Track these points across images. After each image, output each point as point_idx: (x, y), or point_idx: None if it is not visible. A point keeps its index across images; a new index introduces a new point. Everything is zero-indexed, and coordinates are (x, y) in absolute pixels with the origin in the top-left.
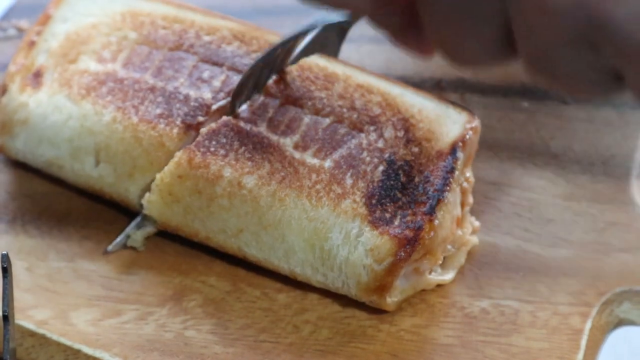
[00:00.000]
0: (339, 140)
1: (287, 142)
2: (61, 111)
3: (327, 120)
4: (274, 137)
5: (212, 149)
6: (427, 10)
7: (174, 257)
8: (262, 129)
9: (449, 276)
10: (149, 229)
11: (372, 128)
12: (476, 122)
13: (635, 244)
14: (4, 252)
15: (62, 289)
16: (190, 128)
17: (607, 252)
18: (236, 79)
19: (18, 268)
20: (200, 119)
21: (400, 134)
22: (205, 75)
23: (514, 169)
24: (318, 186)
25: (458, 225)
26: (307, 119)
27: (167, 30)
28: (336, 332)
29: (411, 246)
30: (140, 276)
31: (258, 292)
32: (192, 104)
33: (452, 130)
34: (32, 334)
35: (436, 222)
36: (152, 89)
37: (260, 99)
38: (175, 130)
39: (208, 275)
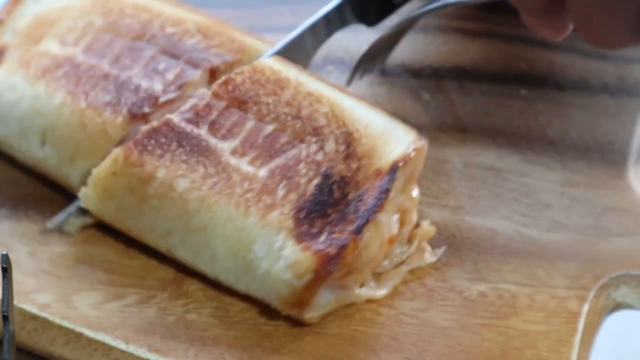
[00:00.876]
0: (278, 149)
1: (225, 147)
2: (15, 90)
3: (270, 128)
4: (212, 141)
5: (149, 148)
6: None
7: None
8: (203, 131)
9: (381, 292)
10: (87, 220)
11: (313, 139)
12: (422, 143)
13: (632, 228)
14: (3, 252)
15: (64, 273)
16: (135, 118)
17: (604, 237)
18: (190, 72)
19: (21, 253)
20: (147, 110)
21: (342, 148)
22: (161, 67)
23: (512, 155)
24: (248, 195)
25: (392, 243)
26: (249, 124)
27: (134, 19)
28: (336, 316)
29: (332, 264)
30: (141, 260)
31: None
32: (141, 94)
33: (395, 149)
34: (34, 318)
35: (361, 242)
36: (106, 77)
37: (206, 99)
38: (119, 119)
39: None
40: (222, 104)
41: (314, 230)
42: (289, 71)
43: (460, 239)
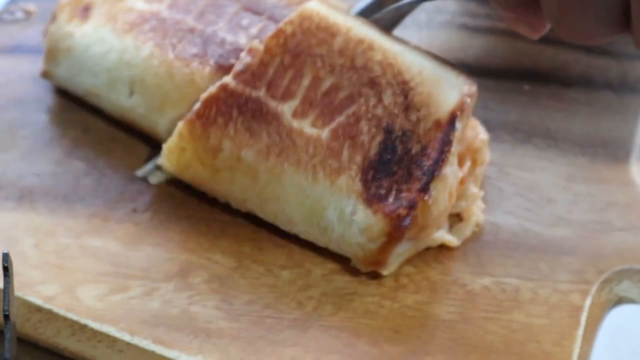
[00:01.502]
0: (337, 107)
1: (286, 110)
2: (104, 43)
3: (327, 83)
4: (272, 104)
5: (211, 119)
6: None
7: (180, 234)
8: (262, 93)
9: (454, 239)
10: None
11: (371, 92)
12: (473, 88)
13: (635, 223)
14: (4, 251)
15: (69, 265)
16: (222, 69)
17: (607, 232)
18: (272, 27)
19: (26, 245)
20: (233, 61)
21: (400, 99)
22: (244, 22)
23: (515, 150)
24: (315, 160)
25: (463, 184)
26: (306, 81)
27: None
28: (339, 308)
29: (404, 225)
30: (146, 253)
31: (262, 268)
32: (227, 47)
33: (450, 96)
34: (39, 309)
35: (430, 200)
36: (192, 30)
37: (259, 56)
38: (207, 69)
39: (213, 252)
40: (277, 60)
41: (383, 192)
42: (335, 15)
43: None
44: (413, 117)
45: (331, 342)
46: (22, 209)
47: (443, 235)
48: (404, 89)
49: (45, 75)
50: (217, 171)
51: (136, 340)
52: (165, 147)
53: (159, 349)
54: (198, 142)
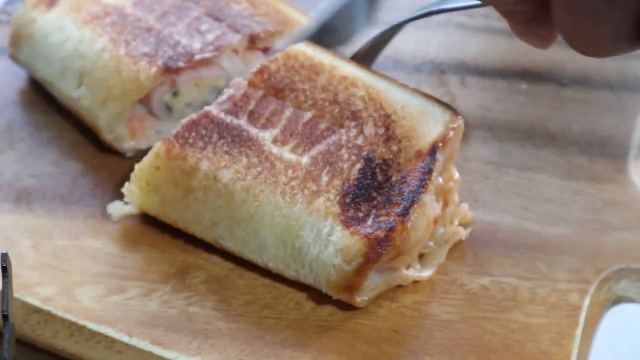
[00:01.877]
0: (318, 136)
1: (267, 136)
2: (63, 32)
3: (309, 115)
4: (253, 131)
5: (190, 141)
6: (563, 2)
7: (177, 235)
8: (243, 121)
9: (427, 273)
10: (131, 209)
11: (353, 124)
12: (459, 122)
13: (633, 223)
14: (4, 252)
15: (67, 267)
16: (169, 71)
17: (605, 231)
18: (230, 36)
19: (24, 246)
20: (181, 65)
21: (381, 131)
22: (203, 27)
23: (513, 150)
24: (293, 183)
25: (436, 224)
26: (288, 113)
27: None
28: (338, 309)
29: (381, 248)
30: (144, 254)
31: (260, 269)
32: (179, 50)
33: (433, 129)
34: (38, 311)
35: (409, 224)
36: (149, 30)
37: (243, 89)
38: (154, 69)
39: (211, 253)
40: (260, 93)
41: (361, 215)
42: (322, 56)
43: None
44: (394, 148)
45: (330, 342)
46: (19, 211)
47: (415, 273)
48: (386, 121)
49: (12, 58)
50: (190, 192)
51: (135, 342)
52: (137, 167)
53: (158, 350)
54: (175, 162)
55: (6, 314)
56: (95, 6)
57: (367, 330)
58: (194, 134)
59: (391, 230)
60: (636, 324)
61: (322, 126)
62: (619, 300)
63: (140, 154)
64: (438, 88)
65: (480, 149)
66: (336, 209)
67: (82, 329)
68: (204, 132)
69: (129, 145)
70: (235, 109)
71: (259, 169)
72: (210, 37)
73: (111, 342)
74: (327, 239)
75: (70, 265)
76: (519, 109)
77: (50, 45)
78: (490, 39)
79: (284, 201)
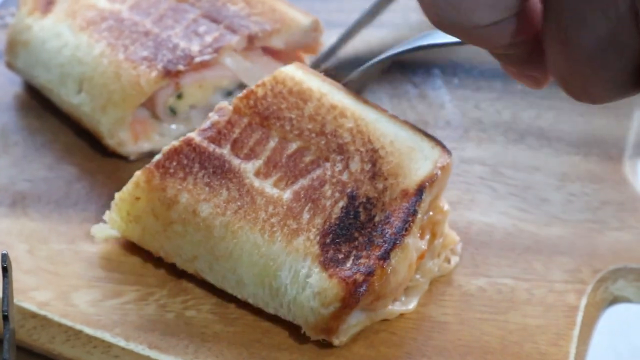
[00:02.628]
0: (302, 169)
1: (249, 168)
2: (59, 38)
3: (294, 146)
4: (235, 161)
5: (171, 171)
6: (557, 48)
7: None
8: (226, 150)
9: (412, 305)
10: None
11: (339, 157)
12: (448, 160)
13: (629, 222)
14: (4, 252)
15: (63, 271)
16: (169, 75)
17: (601, 231)
18: (229, 37)
19: (19, 251)
20: (181, 68)
21: (367, 166)
22: (201, 29)
23: (508, 150)
24: (273, 219)
25: (422, 259)
26: (272, 143)
27: None
28: None
29: (359, 292)
30: (140, 257)
31: None
32: (178, 53)
33: (422, 167)
34: (34, 316)
35: (389, 268)
36: (147, 33)
37: (227, 115)
38: (154, 74)
39: None
40: (244, 120)
41: (340, 256)
42: (311, 81)
43: (458, 234)
44: (379, 185)
45: (327, 345)
46: (14, 215)
47: (400, 307)
48: (373, 157)
49: (9, 67)
50: (169, 224)
51: (131, 346)
52: (117, 195)
53: (155, 354)
54: (154, 193)
55: (6, 314)
56: (90, 11)
57: (364, 332)
58: (174, 163)
59: (370, 274)
60: (633, 323)
61: (307, 159)
62: (615, 300)
63: (144, 157)
64: (431, 90)
65: (475, 150)
66: (315, 249)
67: (78, 333)
68: (185, 162)
69: (131, 149)
70: (218, 136)
71: (238, 204)
72: (209, 38)
73: (108, 346)
74: (305, 281)
75: (66, 270)
76: (513, 109)
77: (47, 52)
78: None
79: (262, 239)
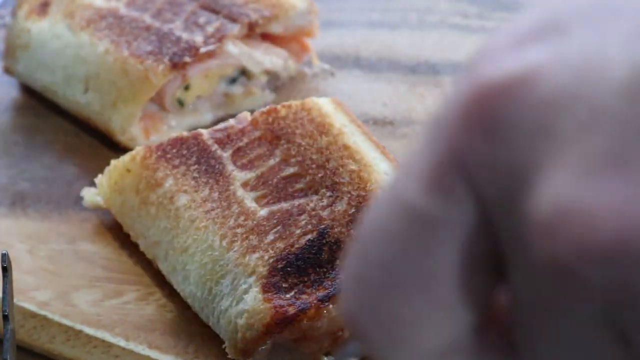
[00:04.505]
0: (288, 194)
1: (239, 177)
2: (60, 39)
3: (291, 170)
4: (229, 167)
5: (168, 156)
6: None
7: None
8: (226, 154)
9: None
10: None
11: (328, 193)
12: None
13: None
14: (4, 252)
15: (63, 271)
16: (176, 67)
17: None
18: (230, 26)
19: (19, 251)
20: (187, 59)
21: (351, 210)
22: (201, 20)
23: None
24: (238, 230)
25: None
26: (272, 161)
27: None
28: None
29: (284, 324)
30: (140, 257)
31: None
32: (182, 45)
33: None
34: (34, 316)
35: (324, 312)
36: (148, 28)
37: (243, 124)
38: (161, 67)
39: None
40: (256, 133)
41: (285, 285)
42: (337, 117)
43: None
44: (353, 232)
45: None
46: (14, 215)
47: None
48: (360, 203)
49: (7, 71)
50: (146, 204)
51: (131, 346)
52: (112, 162)
53: (155, 354)
54: (145, 171)
55: (6, 314)
56: (87, 10)
57: None
58: (174, 150)
59: (302, 310)
60: None
61: (298, 186)
62: None
63: None
64: (433, 88)
65: None
66: (264, 269)
67: (78, 333)
68: (184, 152)
69: (142, 143)
70: (226, 139)
71: (214, 205)
72: (210, 29)
73: (108, 346)
74: (241, 296)
75: (66, 269)
76: None
77: (49, 54)
78: (484, 40)
79: (220, 244)
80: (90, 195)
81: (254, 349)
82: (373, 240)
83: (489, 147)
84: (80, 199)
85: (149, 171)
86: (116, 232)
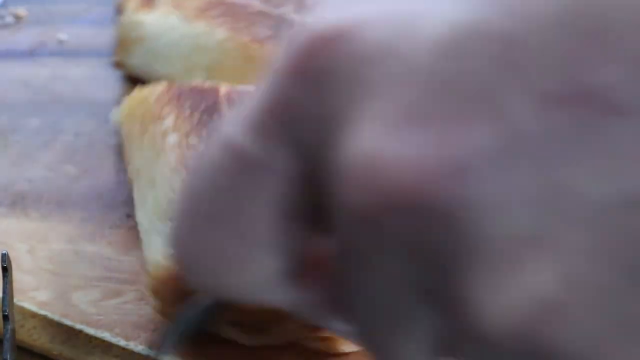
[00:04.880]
0: None
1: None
2: (175, 30)
3: None
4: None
5: (182, 97)
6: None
7: None
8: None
9: None
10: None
11: None
12: None
13: None
14: (4, 252)
15: (63, 271)
16: None
17: None
18: None
19: (19, 251)
20: None
21: None
22: (310, 1)
23: None
24: None
25: None
26: None
27: None
28: None
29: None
30: (140, 257)
31: None
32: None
33: None
34: (34, 316)
35: None
36: (262, 13)
37: None
38: None
39: None
40: None
41: None
42: None
43: None
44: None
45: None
46: (14, 215)
47: None
48: None
49: (118, 65)
50: (143, 133)
51: (131, 346)
52: (137, 88)
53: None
54: (156, 104)
55: (6, 314)
56: (196, 1)
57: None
58: (189, 94)
59: None
60: None
61: None
62: None
63: None
64: None
65: None
66: None
67: (78, 333)
68: (197, 98)
69: None
70: (237, 102)
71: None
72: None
73: (108, 346)
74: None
75: (66, 269)
76: None
77: (165, 45)
78: None
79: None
80: (116, 115)
81: (172, 298)
82: (202, 176)
83: (308, 98)
84: (80, 200)
85: (158, 105)
86: (116, 232)
